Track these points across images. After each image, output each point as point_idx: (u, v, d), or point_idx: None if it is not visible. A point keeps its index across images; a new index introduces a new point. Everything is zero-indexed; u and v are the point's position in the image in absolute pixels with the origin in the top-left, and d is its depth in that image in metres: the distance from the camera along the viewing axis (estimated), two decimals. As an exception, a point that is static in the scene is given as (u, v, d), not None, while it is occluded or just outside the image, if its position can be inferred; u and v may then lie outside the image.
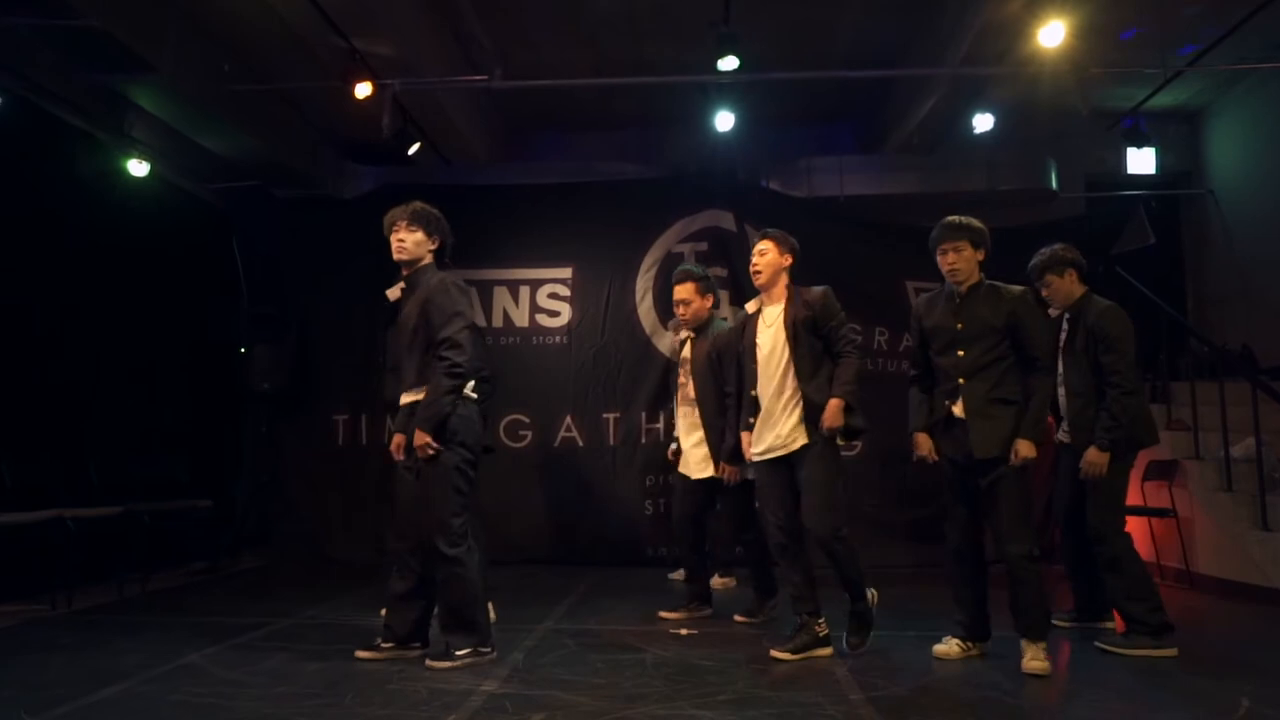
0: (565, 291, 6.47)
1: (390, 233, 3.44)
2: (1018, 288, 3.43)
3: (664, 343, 6.37)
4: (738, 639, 3.80)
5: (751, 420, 3.54)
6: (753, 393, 3.54)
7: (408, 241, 3.42)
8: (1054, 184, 6.99)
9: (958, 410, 3.35)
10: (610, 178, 6.91)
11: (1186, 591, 5.19)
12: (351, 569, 5.74)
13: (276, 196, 6.76)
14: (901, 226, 6.68)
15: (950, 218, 3.46)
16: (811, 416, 3.38)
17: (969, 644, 3.46)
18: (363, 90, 5.48)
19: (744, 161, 7.04)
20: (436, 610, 3.39)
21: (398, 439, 3.41)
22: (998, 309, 3.33)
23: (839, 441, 3.44)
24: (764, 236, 3.65)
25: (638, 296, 6.43)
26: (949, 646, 3.47)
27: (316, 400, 6.45)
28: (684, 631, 3.92)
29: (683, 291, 4.18)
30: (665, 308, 6.39)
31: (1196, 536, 5.35)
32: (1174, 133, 7.51)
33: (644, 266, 6.49)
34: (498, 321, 6.49)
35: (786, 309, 3.50)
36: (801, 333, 3.43)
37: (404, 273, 3.47)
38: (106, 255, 5.42)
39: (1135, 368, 3.75)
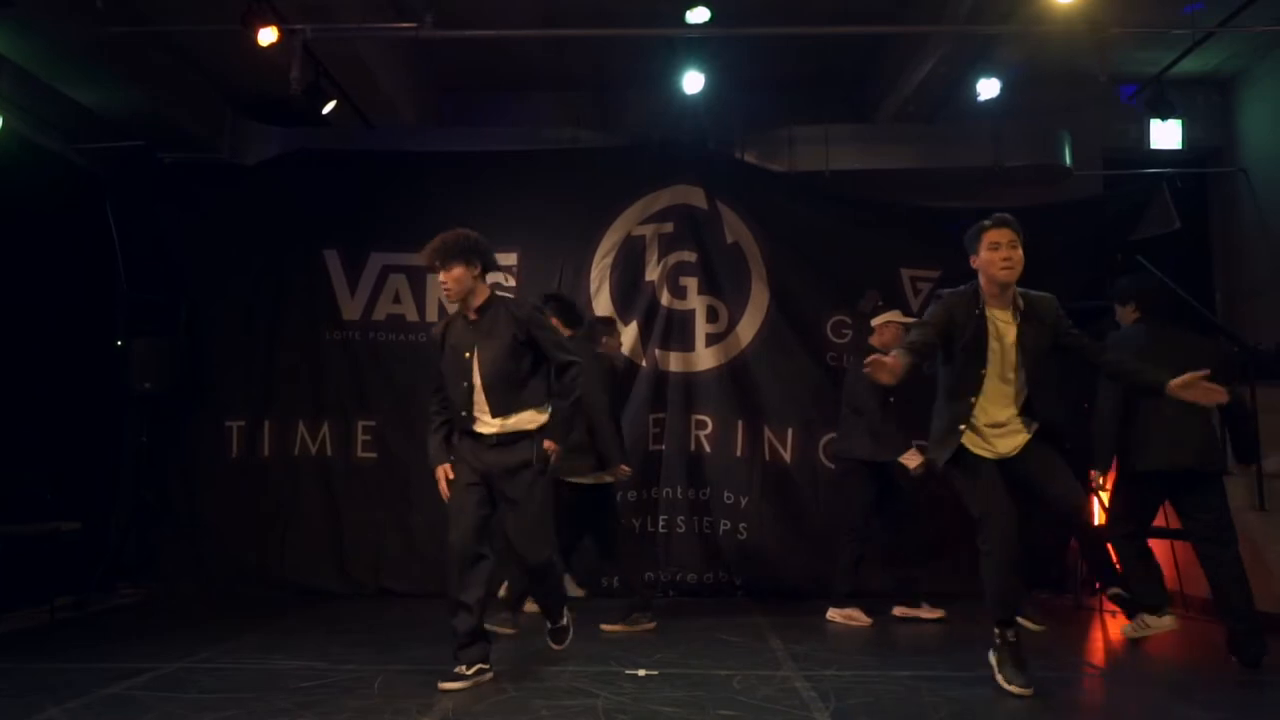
0: (510, 280, 6.42)
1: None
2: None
3: (624, 340, 6.18)
4: (703, 681, 3.82)
5: None
6: None
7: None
8: (1068, 160, 7.10)
9: None
10: (561, 146, 6.87)
11: (1213, 625, 5.28)
12: (249, 603, 5.65)
13: (163, 160, 6.63)
14: (896, 207, 6.75)
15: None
16: None
17: None
18: (267, 36, 5.42)
19: (716, 129, 7.05)
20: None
21: None
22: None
23: None
24: None
25: (593, 287, 6.39)
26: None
27: (208, 404, 6.34)
28: (641, 673, 3.93)
29: None
30: (624, 299, 6.39)
31: (1225, 561, 5.43)
32: (1203, 103, 7.63)
33: (600, 251, 6.46)
34: (432, 315, 6.41)
35: None
36: None
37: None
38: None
39: None
